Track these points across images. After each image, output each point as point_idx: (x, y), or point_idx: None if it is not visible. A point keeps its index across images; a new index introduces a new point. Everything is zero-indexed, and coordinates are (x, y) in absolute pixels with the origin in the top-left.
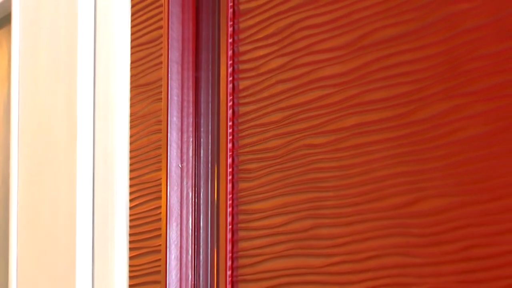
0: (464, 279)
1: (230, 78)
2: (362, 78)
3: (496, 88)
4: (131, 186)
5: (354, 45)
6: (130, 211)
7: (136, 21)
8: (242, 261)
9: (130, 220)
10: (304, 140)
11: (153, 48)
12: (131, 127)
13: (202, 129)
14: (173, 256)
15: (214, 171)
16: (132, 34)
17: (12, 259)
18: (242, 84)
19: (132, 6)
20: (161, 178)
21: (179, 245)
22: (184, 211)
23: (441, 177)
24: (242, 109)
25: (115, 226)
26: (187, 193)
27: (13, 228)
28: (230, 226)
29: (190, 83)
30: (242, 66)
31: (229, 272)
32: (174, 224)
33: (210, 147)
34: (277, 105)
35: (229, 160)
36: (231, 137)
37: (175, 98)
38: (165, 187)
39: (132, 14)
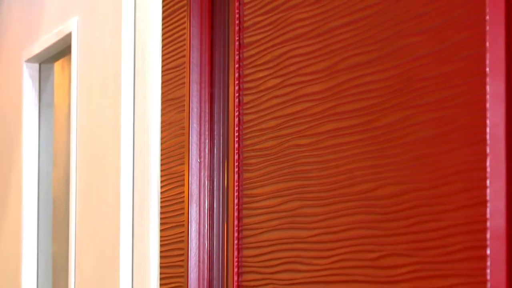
0: (415, 247)
1: (236, 94)
2: (336, 94)
3: (438, 102)
4: (161, 176)
5: (330, 69)
6: (161, 195)
7: (165, 51)
8: (246, 233)
9: (161, 202)
10: (293, 141)
11: (178, 71)
12: (162, 132)
13: (215, 133)
14: (193, 229)
15: (225, 165)
16: (162, 61)
17: (72, 231)
18: (246, 99)
19: (163, 40)
20: (184, 170)
21: (198, 221)
22: (202, 195)
23: (397, 169)
24: (246, 118)
25: (150, 206)
26: (204, 182)
27: (73, 208)
28: (237, 207)
29: (206, 98)
30: (246, 85)
31: (236, 241)
32: (194, 205)
33: (221, 146)
34: (272, 114)
35: (236, 157)
36: (237, 139)
37: (195, 109)
38: (187, 177)
39: (163, 46)
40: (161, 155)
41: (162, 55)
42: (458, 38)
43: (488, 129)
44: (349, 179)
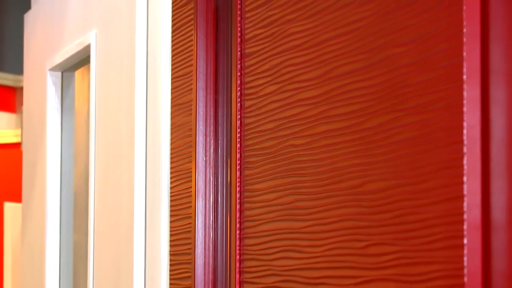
0: (398, 237)
1: (238, 99)
2: (328, 99)
3: (420, 106)
4: (171, 173)
5: (323, 77)
6: (170, 190)
7: (174, 61)
8: (247, 224)
9: (171, 196)
10: (289, 141)
11: (186, 79)
12: (172, 133)
13: (219, 134)
14: (199, 221)
15: (228, 163)
16: (172, 70)
17: (91, 222)
18: (247, 103)
19: (172, 50)
20: (191, 168)
21: (204, 213)
22: (207, 190)
23: (383, 167)
24: (247, 121)
25: (161, 200)
26: (209, 178)
27: (92, 202)
28: (239, 200)
29: (211, 103)
30: (247, 91)
31: (238, 231)
32: (200, 199)
33: (225, 146)
34: (270, 117)
35: (238, 155)
36: (239, 139)
37: (201, 113)
38: (194, 173)
39: (172, 56)
40: (171, 154)
41: (172, 64)
42: (438, 48)
43: (465, 131)
44: (340, 175)
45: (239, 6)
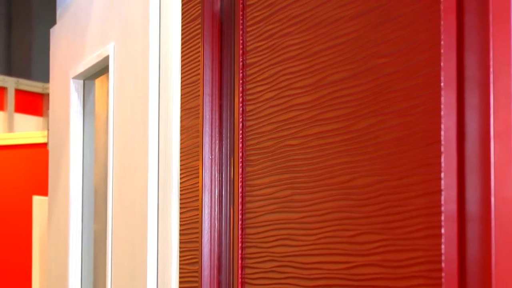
0: (383, 227)
1: (240, 104)
2: (321, 104)
3: (402, 110)
4: (181, 170)
5: (316, 84)
6: (180, 185)
7: (184, 70)
8: (248, 215)
9: (180, 190)
10: (286, 142)
11: (194, 86)
12: (181, 134)
13: (223, 136)
14: (206, 213)
15: (231, 161)
16: (182, 78)
17: (109, 213)
18: (248, 108)
19: (182, 61)
20: (198, 165)
21: (210, 206)
22: (213, 185)
23: (369, 164)
24: (248, 123)
25: (172, 194)
26: (215, 174)
27: (110, 195)
28: (241, 194)
29: (216, 108)
30: (248, 97)
31: (240, 222)
32: (207, 193)
33: (228, 146)
34: (269, 120)
35: (240, 154)
36: (241, 140)
37: (207, 116)
38: (201, 170)
39: (182, 66)
40: (180, 153)
41: (181, 73)
42: (418, 58)
43: (442, 132)
44: (331, 172)
45: (241, 21)
